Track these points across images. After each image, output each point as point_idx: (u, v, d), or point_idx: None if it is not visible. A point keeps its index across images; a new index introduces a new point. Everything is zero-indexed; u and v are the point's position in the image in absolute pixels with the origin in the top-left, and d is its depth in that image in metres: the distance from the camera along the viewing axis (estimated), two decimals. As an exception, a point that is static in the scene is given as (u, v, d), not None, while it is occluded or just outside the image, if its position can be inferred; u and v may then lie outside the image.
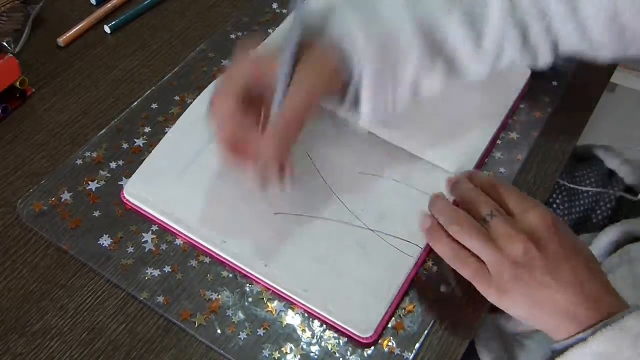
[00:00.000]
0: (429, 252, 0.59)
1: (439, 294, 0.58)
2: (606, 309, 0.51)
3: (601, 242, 0.70)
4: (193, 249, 0.59)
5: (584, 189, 0.78)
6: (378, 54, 0.56)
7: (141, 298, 0.56)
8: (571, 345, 0.50)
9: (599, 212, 0.77)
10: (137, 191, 0.61)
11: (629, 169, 0.79)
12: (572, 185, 0.78)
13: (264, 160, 0.53)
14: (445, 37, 0.58)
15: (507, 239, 0.52)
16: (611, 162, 0.81)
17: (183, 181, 0.61)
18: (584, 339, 0.49)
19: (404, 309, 0.56)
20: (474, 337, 0.67)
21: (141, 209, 0.60)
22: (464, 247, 0.53)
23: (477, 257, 0.53)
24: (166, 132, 0.66)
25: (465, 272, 0.54)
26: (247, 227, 0.59)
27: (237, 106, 0.54)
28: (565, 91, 0.73)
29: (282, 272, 0.57)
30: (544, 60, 0.63)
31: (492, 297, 0.53)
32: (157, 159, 0.63)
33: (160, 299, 0.56)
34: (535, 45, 0.61)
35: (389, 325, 0.55)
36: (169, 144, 0.64)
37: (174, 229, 0.59)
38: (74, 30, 0.74)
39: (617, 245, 0.69)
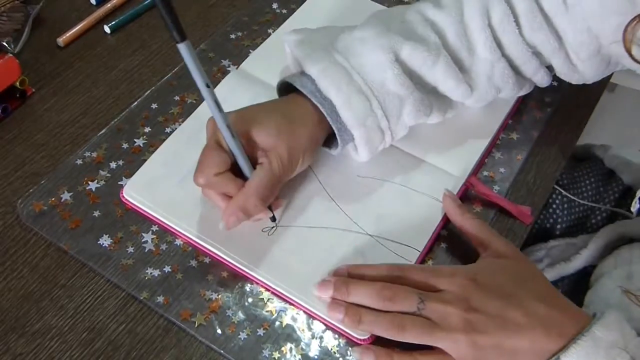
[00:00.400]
0: (428, 250, 0.59)
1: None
2: (571, 329, 0.50)
3: (596, 244, 0.70)
4: (193, 249, 0.59)
5: (581, 202, 0.78)
6: (364, 118, 0.57)
7: (141, 298, 0.56)
8: None
9: (597, 212, 0.77)
10: (136, 193, 0.61)
11: (628, 169, 0.79)
12: (569, 196, 0.78)
13: (246, 211, 0.55)
14: (436, 85, 0.61)
15: (447, 317, 0.50)
16: (610, 162, 0.81)
17: (183, 188, 0.61)
18: (557, 359, 0.48)
19: (404, 309, 0.56)
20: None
21: (141, 209, 0.60)
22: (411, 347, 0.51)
23: (430, 353, 0.51)
24: (166, 132, 0.66)
25: None
26: (246, 236, 0.59)
27: (223, 180, 0.55)
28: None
29: (281, 276, 0.57)
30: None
31: None
32: (158, 163, 0.63)
33: (160, 299, 0.56)
34: (532, 78, 0.64)
35: (389, 325, 0.55)
36: (170, 148, 0.64)
37: (174, 229, 0.59)
38: (74, 30, 0.74)
39: (613, 247, 0.69)
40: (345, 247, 0.58)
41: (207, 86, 0.51)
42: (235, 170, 0.56)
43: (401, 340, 0.51)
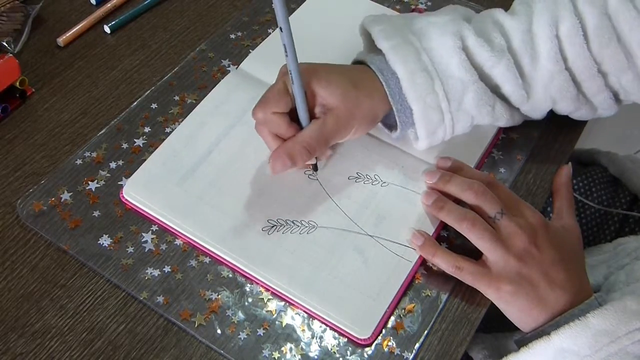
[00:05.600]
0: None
1: (438, 292, 0.58)
2: (578, 296, 0.55)
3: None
4: (193, 249, 0.59)
5: (592, 204, 0.77)
6: (425, 94, 0.58)
7: (141, 298, 0.56)
8: (535, 338, 0.53)
9: (610, 222, 0.77)
10: (136, 193, 0.61)
11: (635, 177, 0.79)
12: (584, 200, 0.78)
13: (292, 157, 0.57)
14: (497, 84, 0.61)
15: (513, 237, 0.55)
16: (616, 170, 0.80)
17: (183, 188, 0.61)
18: (547, 333, 0.52)
19: (404, 309, 0.56)
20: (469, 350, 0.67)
21: (141, 209, 0.60)
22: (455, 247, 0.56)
23: (471, 260, 0.56)
24: (166, 132, 0.66)
25: (466, 278, 0.56)
26: (244, 235, 0.59)
27: (281, 121, 0.57)
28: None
29: (281, 276, 0.57)
30: (607, 112, 0.65)
31: (491, 294, 0.56)
32: (157, 163, 0.63)
33: (160, 299, 0.56)
34: (593, 99, 0.63)
35: (389, 326, 0.55)
36: (170, 148, 0.64)
37: (174, 229, 0.59)
38: (74, 30, 0.74)
39: None
40: (345, 247, 0.58)
41: (281, 30, 0.53)
42: (293, 116, 0.58)
43: (464, 234, 0.57)
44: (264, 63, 0.71)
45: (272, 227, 0.59)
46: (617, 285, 0.63)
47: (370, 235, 0.59)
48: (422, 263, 0.59)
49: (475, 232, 0.56)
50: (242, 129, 0.65)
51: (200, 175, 0.62)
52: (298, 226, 0.60)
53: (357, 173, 0.63)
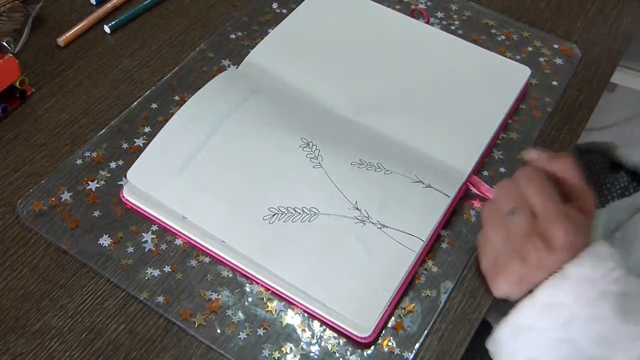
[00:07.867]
0: (429, 250, 0.59)
1: (438, 292, 0.58)
2: None
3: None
4: (193, 249, 0.59)
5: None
6: None
7: (141, 298, 0.56)
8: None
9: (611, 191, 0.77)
10: (137, 185, 0.60)
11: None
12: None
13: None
14: None
15: (549, 233, 0.52)
16: (622, 159, 0.80)
17: (182, 176, 0.61)
18: (530, 291, 0.52)
19: (404, 309, 0.56)
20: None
21: (141, 208, 0.60)
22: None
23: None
24: (166, 132, 0.66)
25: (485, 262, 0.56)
26: (246, 224, 0.59)
27: None
28: (565, 91, 0.73)
29: (281, 270, 0.56)
30: None
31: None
32: (155, 155, 0.62)
33: (160, 299, 0.56)
34: None
35: (389, 325, 0.55)
36: (167, 138, 0.63)
37: (174, 228, 0.59)
38: (74, 30, 0.74)
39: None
40: (347, 235, 0.58)
41: None
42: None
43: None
44: (266, 59, 0.71)
45: (274, 215, 0.59)
46: (615, 242, 0.64)
47: (373, 223, 0.59)
48: (427, 254, 0.59)
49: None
50: (243, 115, 0.64)
51: (199, 161, 0.61)
52: (299, 214, 0.59)
53: (359, 159, 0.63)
